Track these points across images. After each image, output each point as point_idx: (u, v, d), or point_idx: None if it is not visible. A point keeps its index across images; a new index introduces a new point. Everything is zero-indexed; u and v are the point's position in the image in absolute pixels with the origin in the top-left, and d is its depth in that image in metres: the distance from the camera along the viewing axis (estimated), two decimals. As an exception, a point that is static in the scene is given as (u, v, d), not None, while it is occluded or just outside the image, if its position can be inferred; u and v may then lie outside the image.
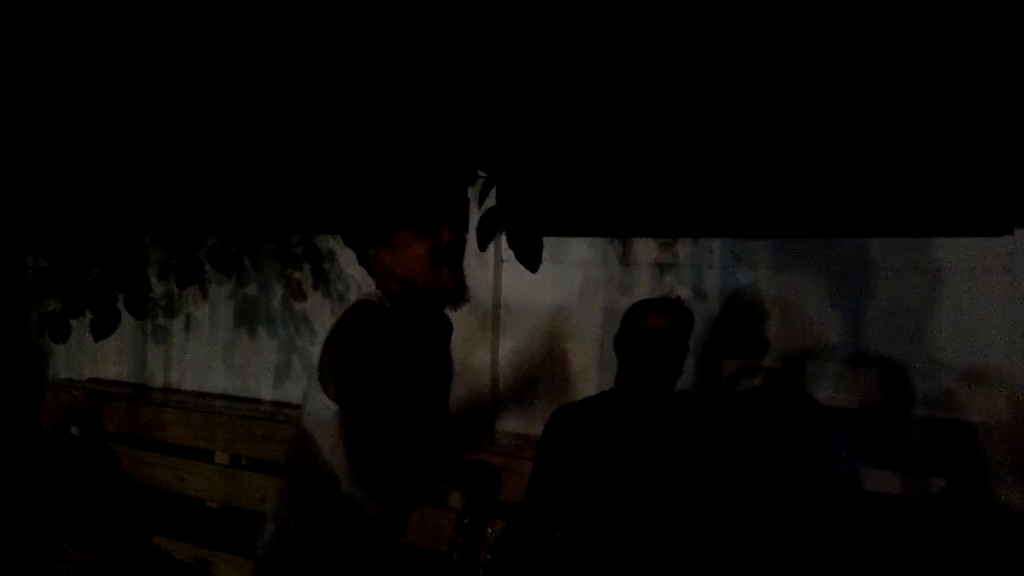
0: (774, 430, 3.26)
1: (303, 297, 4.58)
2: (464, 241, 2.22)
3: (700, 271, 3.45)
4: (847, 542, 2.92)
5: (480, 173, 3.36)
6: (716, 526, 2.64)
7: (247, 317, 4.82)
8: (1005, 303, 2.88)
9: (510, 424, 3.90)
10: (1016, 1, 2.68)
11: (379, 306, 2.16)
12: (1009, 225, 2.89)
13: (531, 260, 3.05)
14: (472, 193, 3.88)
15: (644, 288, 3.55)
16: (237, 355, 4.86)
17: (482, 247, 3.18)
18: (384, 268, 2.19)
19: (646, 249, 3.58)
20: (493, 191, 3.27)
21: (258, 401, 4.72)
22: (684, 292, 3.48)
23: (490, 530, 2.67)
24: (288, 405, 4.58)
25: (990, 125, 2.84)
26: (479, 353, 3.97)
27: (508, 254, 3.73)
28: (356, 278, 4.43)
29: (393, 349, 2.05)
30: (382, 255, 2.18)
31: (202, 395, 4.93)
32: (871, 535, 2.90)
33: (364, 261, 2.24)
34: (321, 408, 2.10)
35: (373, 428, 2.01)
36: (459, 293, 2.20)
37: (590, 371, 3.65)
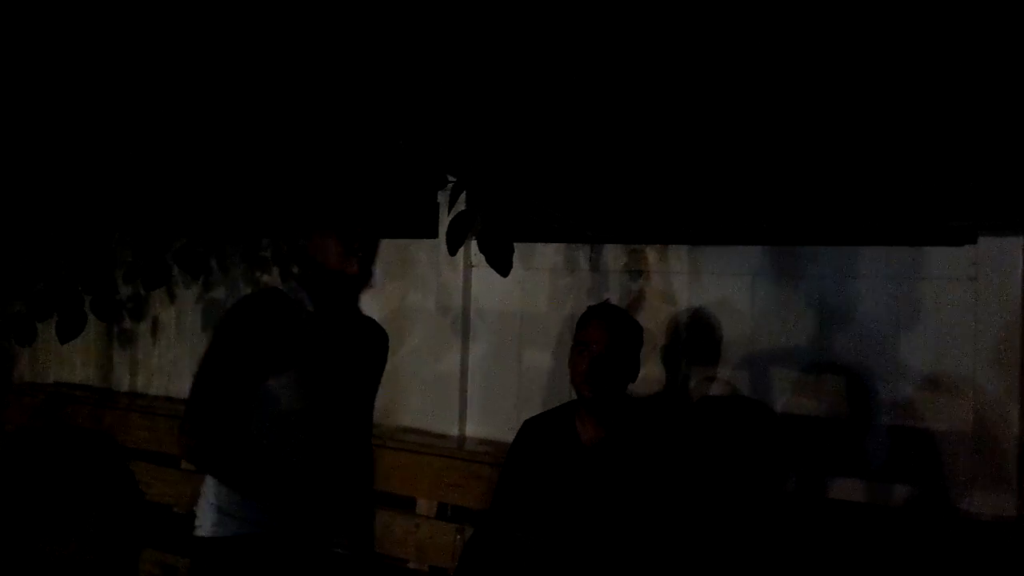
0: (735, 438, 3.28)
1: (272, 301, 4.55)
2: (375, 236, 2.40)
3: (669, 277, 3.47)
4: (811, 550, 2.93)
5: (450, 177, 3.35)
6: (674, 538, 2.64)
7: (215, 320, 4.78)
8: (969, 311, 2.91)
9: (479, 430, 3.89)
10: (970, 15, 2.71)
11: (279, 290, 2.39)
12: (973, 234, 2.92)
13: (502, 265, 3.05)
14: (442, 197, 3.89)
15: (614, 294, 3.56)
16: (204, 359, 4.81)
17: (452, 251, 3.18)
18: (310, 257, 2.39)
19: (616, 255, 3.59)
20: (463, 196, 3.27)
21: (225, 405, 4.68)
22: (653, 298, 3.49)
23: (459, 536, 2.68)
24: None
25: (954, 137, 2.87)
26: (449, 358, 3.96)
27: (478, 259, 3.74)
28: (325, 282, 4.40)
29: (266, 323, 2.24)
30: (311, 247, 2.39)
31: (168, 400, 4.88)
32: (835, 544, 2.92)
33: (298, 253, 2.44)
34: None
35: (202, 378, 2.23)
36: (364, 279, 2.41)
37: (560, 377, 3.65)
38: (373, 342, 2.60)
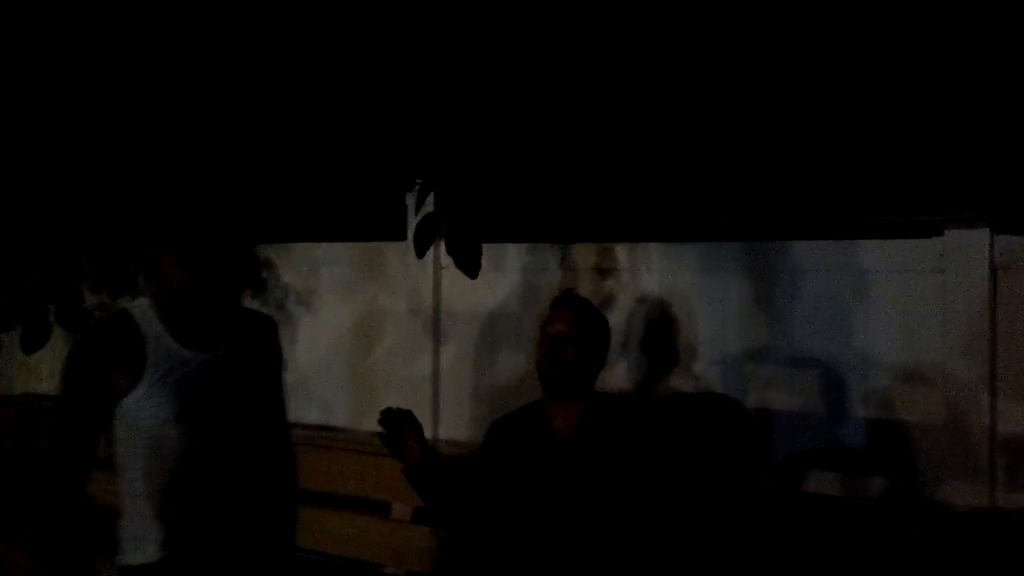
0: (709, 432, 3.28)
1: (241, 307, 4.51)
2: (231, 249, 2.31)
3: (639, 275, 3.46)
4: (787, 542, 2.94)
5: (418, 179, 3.34)
6: (649, 529, 2.63)
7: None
8: (938, 303, 2.93)
9: (453, 432, 3.88)
10: (938, 15, 2.73)
11: (124, 313, 2.31)
12: (940, 227, 2.94)
13: (470, 266, 3.03)
14: (410, 199, 3.87)
15: (584, 293, 3.54)
16: (174, 367, 4.76)
17: (420, 254, 3.16)
18: (157, 275, 2.28)
19: (585, 254, 3.59)
20: (431, 197, 3.25)
21: (196, 413, 4.64)
22: (623, 296, 3.49)
23: (435, 540, 2.66)
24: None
25: (920, 130, 2.88)
26: (420, 360, 3.94)
27: (448, 260, 3.72)
28: (295, 287, 4.38)
29: (103, 355, 2.24)
30: (163, 260, 2.28)
31: (138, 408, 4.83)
32: (810, 537, 2.93)
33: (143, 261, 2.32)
34: None
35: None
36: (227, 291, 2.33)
37: (532, 377, 3.64)
38: (250, 341, 2.39)
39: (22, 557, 1.65)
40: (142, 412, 2.20)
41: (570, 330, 2.69)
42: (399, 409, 2.73)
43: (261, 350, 2.41)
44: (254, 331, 2.41)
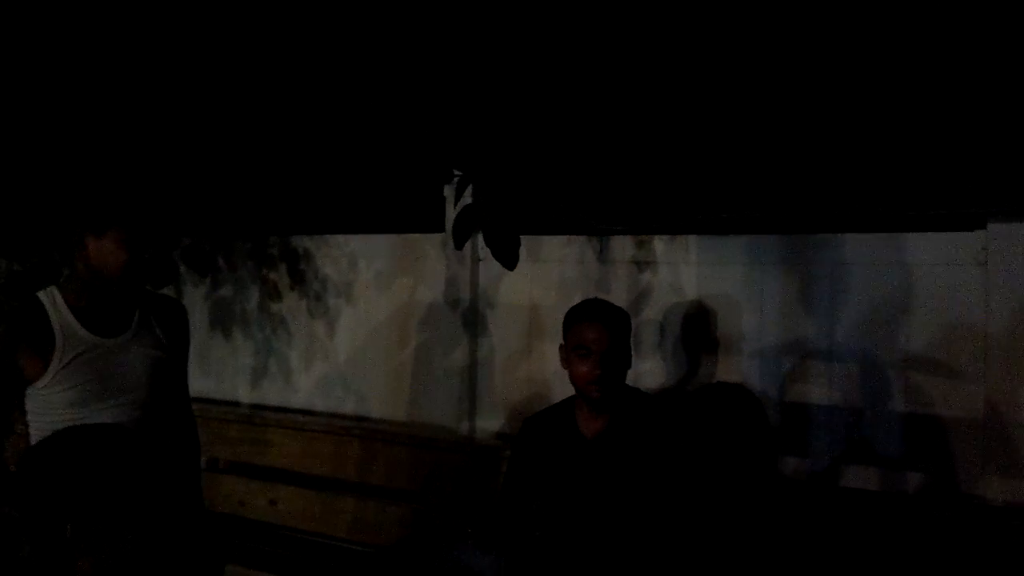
0: (746, 426, 3.27)
1: (279, 298, 4.56)
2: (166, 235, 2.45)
3: (677, 268, 3.46)
4: (822, 538, 2.93)
5: (456, 171, 3.35)
6: (682, 527, 2.62)
7: (222, 319, 4.78)
8: (979, 297, 2.90)
9: (489, 423, 3.89)
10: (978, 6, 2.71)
11: (30, 302, 2.41)
12: (982, 220, 2.91)
13: (508, 258, 3.03)
14: (448, 191, 3.89)
15: (622, 285, 3.55)
16: (212, 357, 4.82)
17: (458, 246, 3.17)
18: (86, 255, 2.41)
19: (623, 246, 3.59)
20: (469, 189, 3.26)
21: (235, 404, 4.69)
22: (661, 289, 3.48)
23: (470, 530, 2.67)
24: (265, 407, 4.55)
25: (962, 121, 2.86)
26: (457, 352, 3.96)
27: (485, 252, 3.73)
28: (333, 278, 4.41)
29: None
30: (89, 243, 2.40)
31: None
32: (847, 531, 2.91)
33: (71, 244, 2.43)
34: None
35: None
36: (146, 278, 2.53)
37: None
38: (156, 325, 2.57)
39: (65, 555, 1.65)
40: (51, 397, 2.33)
41: (608, 349, 2.64)
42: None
43: (168, 333, 2.58)
44: (161, 315, 2.59)
